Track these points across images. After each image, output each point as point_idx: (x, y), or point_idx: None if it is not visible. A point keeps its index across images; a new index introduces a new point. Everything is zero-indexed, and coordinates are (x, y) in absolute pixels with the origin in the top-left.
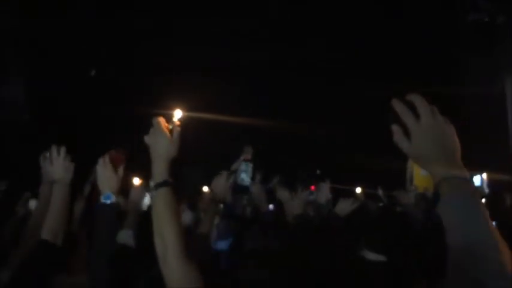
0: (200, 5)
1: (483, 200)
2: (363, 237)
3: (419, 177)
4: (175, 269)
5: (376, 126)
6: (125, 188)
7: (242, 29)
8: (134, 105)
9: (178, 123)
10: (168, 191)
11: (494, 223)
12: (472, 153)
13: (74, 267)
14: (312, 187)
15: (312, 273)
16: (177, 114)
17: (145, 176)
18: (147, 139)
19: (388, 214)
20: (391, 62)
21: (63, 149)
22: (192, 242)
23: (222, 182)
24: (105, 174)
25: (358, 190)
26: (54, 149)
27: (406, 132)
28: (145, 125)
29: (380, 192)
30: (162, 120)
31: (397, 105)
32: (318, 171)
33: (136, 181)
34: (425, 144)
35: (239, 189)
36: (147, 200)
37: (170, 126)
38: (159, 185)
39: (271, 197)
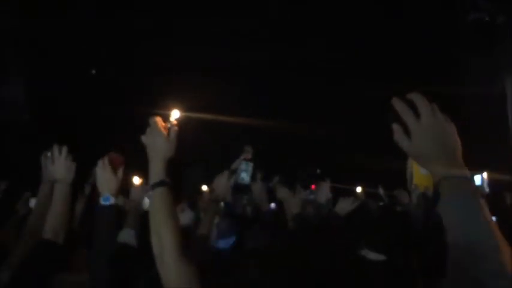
0: (200, 5)
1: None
2: (363, 236)
3: (419, 175)
4: (173, 269)
5: (376, 126)
6: (125, 188)
7: (242, 29)
8: (134, 105)
9: (175, 122)
10: (165, 190)
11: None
12: (473, 152)
13: (75, 266)
14: (313, 186)
15: (312, 273)
16: (175, 114)
17: (146, 176)
18: (144, 139)
19: (389, 213)
20: (391, 62)
21: (64, 149)
22: (192, 243)
23: (223, 181)
24: (105, 176)
25: (359, 189)
26: (55, 148)
27: (407, 131)
28: (146, 124)
29: (380, 191)
30: (159, 119)
31: (397, 104)
32: (318, 171)
33: (137, 180)
34: (425, 143)
35: (239, 189)
36: (147, 200)
37: (168, 126)
38: (156, 185)
39: (271, 196)
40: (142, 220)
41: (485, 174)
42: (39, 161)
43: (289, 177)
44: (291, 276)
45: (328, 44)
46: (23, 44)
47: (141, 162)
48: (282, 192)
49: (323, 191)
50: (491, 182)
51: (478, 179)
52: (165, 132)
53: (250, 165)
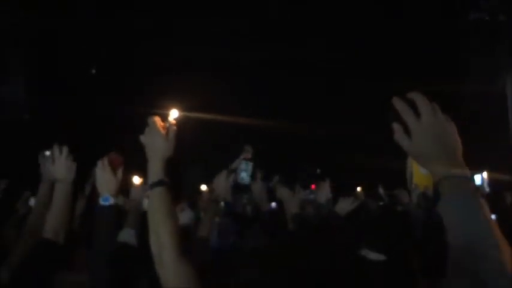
0: (200, 5)
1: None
2: (363, 236)
3: (419, 175)
4: (171, 268)
5: (376, 126)
6: (125, 188)
7: (242, 29)
8: (134, 105)
9: (174, 122)
10: (163, 190)
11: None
12: (473, 152)
13: (75, 266)
14: (313, 186)
15: (312, 273)
16: (173, 113)
17: (146, 175)
18: (143, 138)
19: (389, 213)
20: (391, 62)
21: (65, 149)
22: (192, 243)
23: (222, 180)
24: (104, 177)
25: (359, 189)
26: (56, 148)
27: (407, 131)
28: (145, 124)
29: (381, 190)
30: (157, 119)
31: (398, 104)
32: (318, 171)
33: (137, 180)
34: (425, 142)
35: (239, 188)
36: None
37: (166, 125)
38: (154, 185)
39: (271, 195)
40: (143, 220)
41: (485, 174)
42: (39, 161)
43: (289, 177)
44: (291, 276)
45: (328, 44)
46: (23, 44)
47: (141, 162)
48: (282, 192)
49: (323, 191)
50: (491, 181)
51: (478, 179)
52: (163, 131)
53: (250, 164)
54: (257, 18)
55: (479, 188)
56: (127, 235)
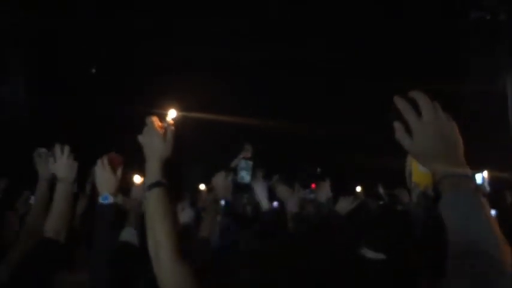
0: (200, 5)
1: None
2: (363, 235)
3: (418, 173)
4: (168, 269)
5: (376, 126)
6: (126, 187)
7: (242, 29)
8: (134, 105)
9: (172, 122)
10: (161, 191)
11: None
12: (473, 151)
13: (76, 265)
14: (313, 185)
15: (312, 273)
16: (171, 113)
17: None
18: (141, 138)
19: (389, 212)
20: (392, 62)
21: (66, 148)
22: (193, 242)
23: (221, 179)
24: (104, 176)
25: (358, 189)
26: (57, 147)
27: (408, 130)
28: (145, 124)
29: (381, 190)
30: (155, 119)
31: (399, 102)
32: (318, 170)
33: (138, 179)
34: (426, 141)
35: (239, 188)
36: None
37: (164, 126)
38: (152, 186)
39: (271, 195)
40: (144, 219)
41: (485, 173)
42: (34, 158)
43: (289, 177)
44: (291, 276)
45: (328, 44)
46: (23, 44)
47: (142, 161)
48: (281, 190)
49: (323, 190)
50: (491, 180)
51: (478, 178)
52: (161, 132)
53: (250, 163)
54: (257, 18)
55: (480, 187)
56: (129, 234)
